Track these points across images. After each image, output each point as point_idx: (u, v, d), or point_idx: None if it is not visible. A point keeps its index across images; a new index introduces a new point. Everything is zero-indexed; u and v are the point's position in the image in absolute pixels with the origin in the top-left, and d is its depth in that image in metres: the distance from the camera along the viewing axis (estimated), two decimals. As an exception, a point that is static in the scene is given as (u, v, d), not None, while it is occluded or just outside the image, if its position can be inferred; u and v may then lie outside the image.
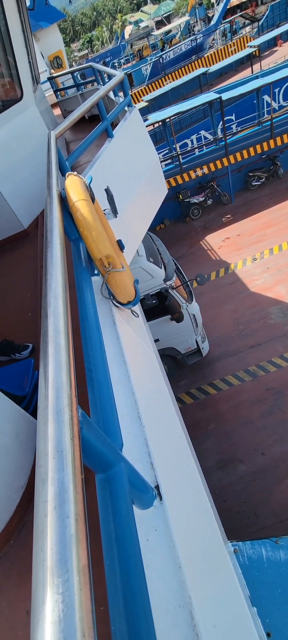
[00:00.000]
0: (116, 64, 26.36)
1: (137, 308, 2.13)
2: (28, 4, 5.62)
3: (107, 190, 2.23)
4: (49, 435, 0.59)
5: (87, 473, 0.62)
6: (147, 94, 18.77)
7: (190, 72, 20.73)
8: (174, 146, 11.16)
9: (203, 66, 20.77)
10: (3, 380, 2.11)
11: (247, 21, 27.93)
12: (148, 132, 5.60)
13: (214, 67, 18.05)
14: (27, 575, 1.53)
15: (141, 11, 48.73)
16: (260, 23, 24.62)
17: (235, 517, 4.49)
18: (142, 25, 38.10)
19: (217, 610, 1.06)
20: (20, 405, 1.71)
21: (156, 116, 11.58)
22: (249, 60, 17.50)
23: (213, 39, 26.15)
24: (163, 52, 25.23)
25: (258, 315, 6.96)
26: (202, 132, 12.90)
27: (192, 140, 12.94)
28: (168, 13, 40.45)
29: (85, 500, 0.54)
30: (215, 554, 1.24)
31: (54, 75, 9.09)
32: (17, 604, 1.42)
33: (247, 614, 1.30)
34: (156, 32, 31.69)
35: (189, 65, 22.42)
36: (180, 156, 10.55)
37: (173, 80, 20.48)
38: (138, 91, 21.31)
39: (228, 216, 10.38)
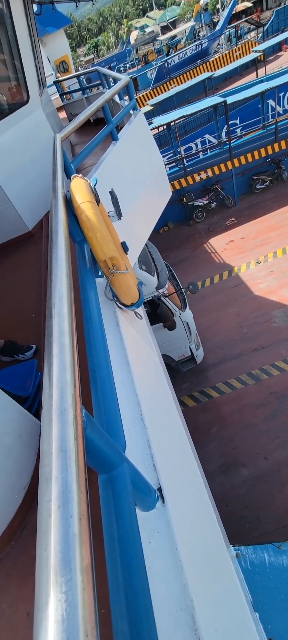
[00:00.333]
0: (122, 68, 26.59)
1: (141, 310, 2.13)
2: (35, 9, 5.71)
3: (112, 193, 2.25)
4: (53, 434, 0.59)
5: (89, 474, 0.62)
6: (152, 97, 18.88)
7: (195, 76, 20.80)
8: (179, 149, 11.21)
9: (208, 71, 20.86)
10: (6, 381, 2.12)
11: (252, 26, 28.02)
12: (153, 135, 5.64)
13: (219, 72, 18.13)
14: (29, 576, 1.53)
15: (147, 17, 49.21)
16: (265, 28, 24.64)
17: (237, 521, 4.45)
18: (147, 30, 38.46)
19: (219, 614, 1.05)
20: (23, 406, 1.72)
21: (161, 120, 11.64)
22: (254, 64, 17.53)
23: (219, 44, 26.24)
24: (169, 56, 25.41)
25: (262, 319, 6.92)
26: (207, 136, 12.95)
27: (196, 144, 12.99)
28: (173, 18, 40.80)
29: (89, 500, 0.54)
30: (217, 558, 1.23)
31: (60, 79, 9.22)
32: (18, 605, 1.42)
33: (249, 619, 1.29)
34: (161, 37, 31.92)
35: (194, 69, 22.54)
36: (184, 159, 10.58)
37: (178, 84, 20.59)
38: (143, 95, 21.45)
39: (232, 219, 10.37)
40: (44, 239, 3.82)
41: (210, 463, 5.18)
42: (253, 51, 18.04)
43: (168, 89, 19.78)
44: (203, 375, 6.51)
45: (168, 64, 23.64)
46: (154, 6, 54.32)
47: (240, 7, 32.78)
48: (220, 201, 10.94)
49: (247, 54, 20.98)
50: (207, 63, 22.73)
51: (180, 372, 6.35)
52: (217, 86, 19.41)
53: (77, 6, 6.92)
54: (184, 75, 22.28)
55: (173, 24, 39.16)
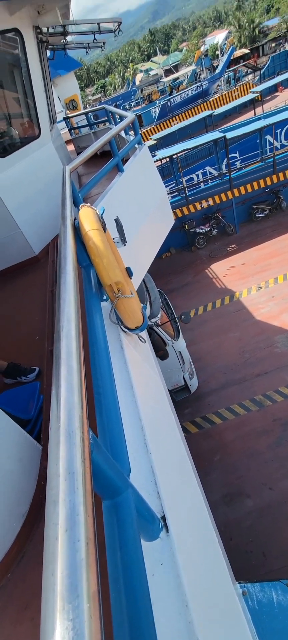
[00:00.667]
0: (127, 106, 28.32)
1: (144, 334, 2.14)
2: (49, 54, 6.23)
3: (117, 220, 2.35)
4: (61, 456, 0.59)
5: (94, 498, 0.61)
6: (156, 133, 19.93)
7: (196, 114, 22.10)
8: (181, 180, 11.69)
9: (208, 109, 22.13)
10: (9, 403, 2.09)
11: (249, 70, 30.07)
12: (157, 167, 5.92)
13: (219, 110, 19.22)
14: (25, 611, 1.45)
15: (151, 61, 53.06)
16: (262, 72, 26.50)
17: (242, 556, 4.22)
18: (151, 73, 41.34)
19: (225, 658, 0.99)
20: (24, 429, 1.71)
21: (164, 153, 12.23)
22: (252, 104, 18.62)
23: (218, 85, 28.07)
24: (171, 96, 27.12)
25: (264, 344, 6.90)
26: (207, 168, 13.54)
27: (197, 175, 13.57)
28: (176, 63, 43.92)
29: (95, 524, 0.54)
30: (223, 595, 1.17)
31: (69, 115, 9.85)
32: (12, 643, 1.34)
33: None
34: (165, 79, 34.26)
35: (195, 108, 23.94)
36: (186, 189, 11.01)
37: (180, 121, 21.79)
38: (147, 130, 22.68)
39: (233, 246, 10.61)
40: (50, 264, 3.93)
41: (214, 493, 4.99)
42: (251, 92, 19.22)
43: (171, 125, 20.92)
44: (205, 400, 6.41)
45: (171, 103, 25.20)
46: (158, 52, 58.75)
47: (238, 53, 35.44)
48: (221, 228, 11.25)
49: (245, 95, 22.34)
50: (208, 102, 24.18)
51: (175, 401, 6.26)
52: (216, 123, 20.55)
53: (87, 52, 7.51)
54: (186, 113, 23.65)
55: (176, 68, 42.14)
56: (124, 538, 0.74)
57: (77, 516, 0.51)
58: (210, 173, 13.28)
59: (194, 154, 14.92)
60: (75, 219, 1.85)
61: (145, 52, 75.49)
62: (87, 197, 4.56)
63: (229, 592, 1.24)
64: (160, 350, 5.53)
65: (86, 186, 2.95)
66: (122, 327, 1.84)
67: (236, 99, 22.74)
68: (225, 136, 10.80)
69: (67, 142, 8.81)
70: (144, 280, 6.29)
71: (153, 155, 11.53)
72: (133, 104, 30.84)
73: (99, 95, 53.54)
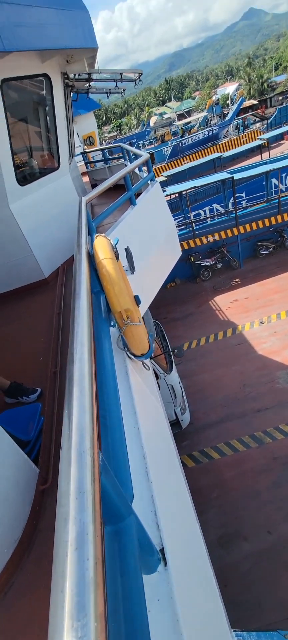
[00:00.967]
0: (141, 145, 30.04)
1: (148, 361, 2.17)
2: (73, 96, 6.76)
3: (127, 250, 2.45)
4: (71, 475, 0.59)
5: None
6: (166, 170, 20.97)
7: (205, 155, 23.32)
8: (189, 215, 12.15)
9: (217, 152, 23.39)
10: (9, 423, 2.06)
11: (257, 119, 32.01)
12: (166, 201, 6.22)
13: (227, 153, 20.30)
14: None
15: (165, 106, 56.89)
16: (269, 121, 28.19)
17: (236, 606, 3.95)
18: (165, 116, 44.10)
19: None
20: (23, 450, 1.70)
21: (173, 188, 12.83)
22: (259, 149, 19.67)
23: (227, 131, 29.82)
24: (183, 138, 28.78)
25: (266, 379, 6.85)
26: (215, 205, 14.11)
27: (205, 211, 14.12)
28: (189, 109, 47.02)
29: (104, 545, 0.54)
30: (220, 639, 1.11)
31: (87, 150, 10.53)
32: None
33: None
34: (177, 123, 36.48)
35: (205, 150, 25.33)
36: (193, 223, 11.42)
37: (191, 161, 22.98)
38: (158, 167, 23.87)
39: (237, 280, 10.81)
40: (59, 287, 4.04)
41: (209, 533, 4.77)
42: (258, 138, 20.35)
43: (181, 164, 22.04)
44: (204, 433, 6.27)
45: (182, 144, 26.72)
46: (172, 98, 63.18)
47: (247, 103, 37.94)
48: (226, 262, 11.52)
49: (252, 141, 23.66)
50: (217, 145, 25.59)
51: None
52: (225, 164, 21.59)
53: (108, 96, 8.13)
54: (196, 154, 24.97)
55: (188, 113, 45.02)
56: (125, 568, 0.72)
57: (87, 535, 0.51)
58: (217, 210, 13.82)
59: (202, 191, 15.58)
60: (91, 247, 1.94)
61: (161, 98, 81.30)
62: (99, 226, 4.77)
63: (226, 636, 1.18)
64: None
65: (100, 216, 3.09)
66: (128, 353, 1.87)
67: (244, 144, 24.07)
68: (232, 177, 11.33)
69: (83, 173, 9.32)
70: None
71: (164, 191, 12.09)
72: (146, 143, 32.76)
73: (115, 133, 57.03)
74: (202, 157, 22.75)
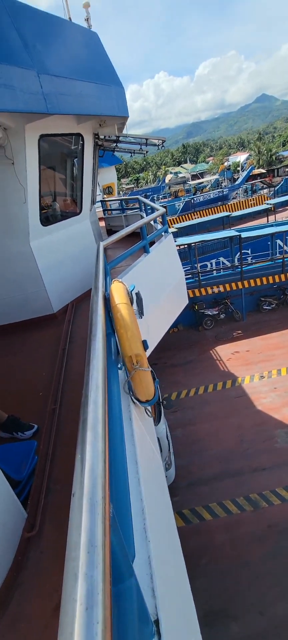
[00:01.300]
0: (155, 198, 32.50)
1: (150, 408, 2.06)
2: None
3: (137, 294, 2.44)
4: (83, 526, 0.56)
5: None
6: (178, 223, 22.38)
7: (215, 213, 24.89)
8: (196, 265, 12.74)
9: (227, 211, 24.93)
10: (2, 459, 2.00)
11: (265, 186, 34.34)
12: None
13: (236, 213, 21.64)
14: None
15: (181, 166, 62.25)
16: (276, 189, 30.17)
17: None
18: (180, 175, 48.08)
19: None
20: (14, 490, 1.64)
21: (183, 240, 13.64)
22: (266, 213, 20.87)
23: (237, 193, 31.99)
24: (195, 195, 31.03)
25: (264, 436, 6.60)
26: (221, 259, 14.78)
27: (211, 263, 14.77)
28: (202, 171, 51.15)
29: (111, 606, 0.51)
30: None
31: (106, 199, 11.59)
32: None
33: None
34: (191, 182, 39.60)
35: (215, 208, 27.08)
36: (199, 274, 11.92)
37: (201, 216, 24.51)
38: (170, 220, 25.51)
39: (239, 332, 10.90)
40: (66, 323, 4.20)
41: (196, 606, 4.32)
42: (265, 203, 21.70)
43: (192, 219, 23.51)
44: (196, 490, 5.96)
45: (194, 201, 28.75)
46: (188, 161, 69.18)
47: (256, 171, 40.99)
48: (229, 314, 11.73)
49: (260, 204, 25.18)
50: (226, 205, 27.35)
51: None
52: (233, 223, 22.86)
53: (131, 156, 9.05)
54: (206, 210, 26.69)
55: (202, 175, 49.01)
56: (122, 634, 0.65)
57: (98, 595, 0.48)
58: (223, 263, 14.44)
59: (210, 244, 16.42)
60: (107, 291, 1.98)
61: (177, 160, 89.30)
62: (113, 269, 5.12)
63: None
64: None
65: (115, 260, 3.31)
66: (133, 397, 1.82)
67: (252, 206, 25.64)
68: (240, 235, 12.00)
69: (100, 219, 10.15)
70: None
71: (174, 241, 12.86)
72: (161, 196, 35.45)
73: (132, 185, 62.08)
74: (212, 214, 24.29)
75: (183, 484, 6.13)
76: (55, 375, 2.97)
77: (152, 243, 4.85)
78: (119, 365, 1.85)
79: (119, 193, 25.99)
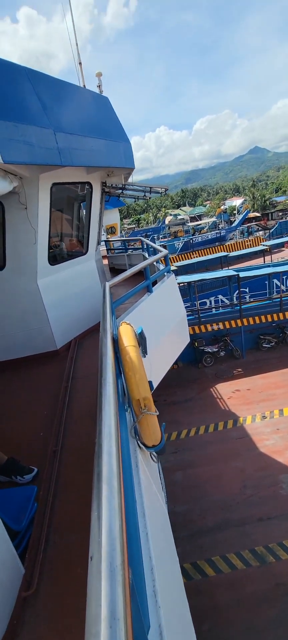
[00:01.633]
0: (155, 237, 33.92)
1: (155, 453, 1.94)
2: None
3: (141, 333, 2.58)
4: (103, 596, 0.52)
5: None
6: (177, 261, 23.17)
7: (213, 253, 25.86)
8: (195, 303, 12.99)
9: (224, 251, 25.92)
10: (1, 506, 1.89)
11: (260, 228, 36.06)
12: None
13: (233, 253, 22.50)
14: None
15: (180, 209, 65.59)
16: (271, 231, 31.68)
17: None
18: (179, 217, 50.54)
19: None
20: (12, 541, 1.55)
21: (183, 278, 14.03)
22: (262, 253, 21.71)
23: (234, 234, 33.49)
24: (194, 236, 32.44)
25: (268, 481, 6.32)
26: (220, 296, 15.11)
27: (210, 301, 15.07)
28: (200, 213, 53.86)
29: None
30: None
31: (110, 239, 12.10)
32: None
33: None
34: (190, 224, 41.56)
35: (213, 248, 28.22)
36: (199, 311, 12.12)
37: (200, 256, 25.44)
38: (170, 258, 26.41)
39: (239, 370, 10.84)
40: (69, 360, 4.19)
41: None
42: (262, 244, 22.66)
43: (191, 258, 24.36)
44: (198, 541, 5.59)
45: (193, 241, 29.99)
46: (187, 204, 73.05)
47: (251, 215, 43.25)
48: (229, 351, 11.75)
49: (256, 245, 26.25)
50: (224, 245, 28.54)
51: None
52: (230, 262, 23.67)
53: (135, 201, 9.64)
54: (205, 250, 27.77)
55: (200, 217, 51.53)
56: None
57: None
58: (222, 301, 14.73)
59: (209, 282, 16.87)
60: (115, 333, 1.97)
61: (176, 203, 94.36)
62: (117, 308, 5.21)
63: None
64: None
65: (120, 300, 3.35)
66: (139, 442, 1.74)
67: (248, 247, 26.71)
68: (238, 275, 12.38)
69: (103, 257, 10.50)
70: None
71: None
72: (161, 236, 37.01)
73: (134, 225, 64.98)
74: (210, 254, 25.23)
75: (183, 534, 5.76)
76: (57, 415, 2.93)
77: (154, 282, 5.02)
78: (125, 407, 1.80)
79: (121, 232, 27.17)
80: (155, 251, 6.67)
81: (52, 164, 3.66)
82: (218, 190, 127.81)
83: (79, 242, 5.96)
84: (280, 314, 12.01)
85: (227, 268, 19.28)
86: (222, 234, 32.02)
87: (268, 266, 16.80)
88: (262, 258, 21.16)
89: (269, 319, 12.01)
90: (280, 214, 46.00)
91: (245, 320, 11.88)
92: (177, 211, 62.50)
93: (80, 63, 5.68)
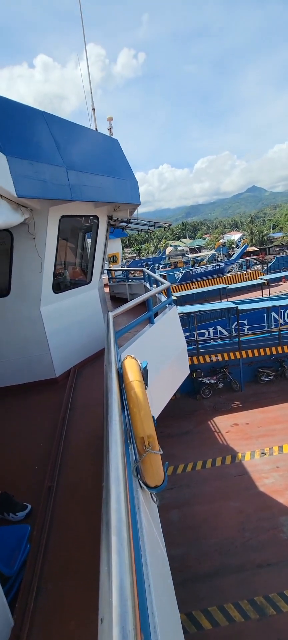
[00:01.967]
0: (156, 267, 34.67)
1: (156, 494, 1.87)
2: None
3: (146, 368, 2.50)
4: None
5: None
6: (177, 292, 23.56)
7: (212, 284, 26.38)
8: (194, 333, 13.06)
9: (223, 283, 26.45)
10: None
11: (258, 262, 37.07)
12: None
13: (232, 285, 22.96)
14: None
15: (180, 241, 67.64)
16: (268, 265, 32.57)
17: None
18: (179, 248, 51.99)
19: None
20: (2, 586, 1.44)
21: (183, 309, 14.20)
22: (260, 286, 22.17)
23: (232, 267, 34.33)
24: (194, 267, 33.21)
25: (268, 524, 6.06)
26: (219, 327, 15.22)
27: (209, 332, 15.16)
28: (200, 246, 55.49)
29: None
30: None
31: (112, 268, 12.41)
32: None
33: None
34: (189, 255, 42.71)
35: (212, 279, 28.80)
36: (198, 342, 12.16)
37: (199, 287, 25.92)
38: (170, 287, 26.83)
39: (238, 403, 10.71)
40: (68, 389, 4.16)
41: None
42: (260, 278, 23.20)
43: (191, 289, 24.80)
44: (193, 588, 5.26)
45: (192, 272, 30.64)
46: (187, 236, 75.44)
47: (250, 249, 44.57)
48: (227, 383, 11.67)
49: (254, 279, 26.85)
50: (223, 277, 29.16)
51: None
52: (229, 294, 24.08)
53: (138, 233, 9.99)
54: (204, 281, 28.33)
55: (199, 249, 53.03)
56: None
57: None
58: (221, 332, 14.82)
59: (208, 313, 17.06)
60: (120, 366, 1.95)
61: (177, 235, 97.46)
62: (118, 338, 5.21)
63: None
64: None
65: (122, 330, 3.39)
66: (140, 482, 1.64)
67: (246, 280, 27.31)
68: (237, 307, 12.58)
69: (105, 285, 10.68)
70: None
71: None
72: (161, 266, 37.83)
73: (135, 255, 66.61)
74: (209, 285, 25.73)
75: (177, 579, 5.42)
76: (54, 447, 2.85)
77: (156, 313, 5.08)
78: (128, 443, 1.72)
79: (122, 261, 27.86)
80: (156, 281, 6.81)
81: (63, 199, 3.87)
82: (218, 225, 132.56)
83: (83, 271, 6.12)
84: (279, 348, 12.07)
85: (225, 300, 19.62)
86: (221, 266, 32.83)
87: (267, 299, 17.11)
88: (260, 291, 21.58)
89: (268, 352, 12.05)
90: (277, 249, 47.55)
91: (243, 352, 11.90)
92: (177, 242, 64.45)
93: (93, 109, 6.15)
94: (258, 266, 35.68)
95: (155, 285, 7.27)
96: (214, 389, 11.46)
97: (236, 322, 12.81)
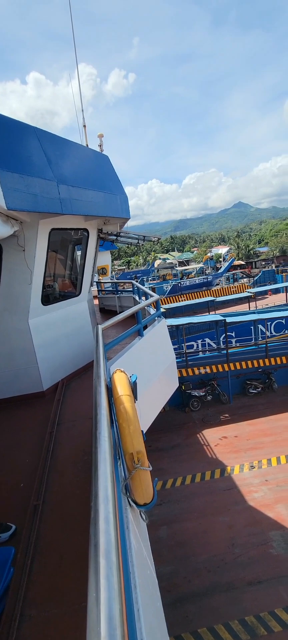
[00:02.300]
0: (145, 279, 34.95)
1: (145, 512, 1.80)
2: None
3: (135, 382, 2.46)
4: None
5: None
6: (165, 304, 23.77)
7: (200, 297, 26.83)
8: (183, 345, 13.15)
9: (211, 296, 26.96)
10: None
11: (244, 275, 38.12)
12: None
13: (220, 298, 23.45)
14: None
15: (169, 254, 68.70)
16: (255, 279, 33.54)
17: None
18: (168, 261, 52.76)
19: None
20: None
21: (172, 321, 14.32)
22: (247, 299, 22.73)
23: (220, 280, 35.11)
24: (182, 280, 33.72)
25: (257, 539, 6.03)
26: (207, 340, 15.40)
27: (197, 344, 15.30)
28: (188, 259, 56.52)
29: None
30: None
31: (101, 281, 12.41)
32: None
33: None
34: (178, 268, 43.38)
35: (200, 292, 29.32)
36: (186, 354, 12.23)
37: (187, 299, 26.27)
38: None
39: (226, 415, 10.78)
40: (55, 403, 4.06)
41: None
42: (247, 291, 23.82)
43: (179, 301, 25.11)
44: (182, 608, 5.13)
45: (181, 284, 31.08)
46: (175, 249, 76.75)
47: (236, 263, 45.83)
48: (216, 396, 11.74)
49: (241, 292, 27.54)
50: (210, 290, 29.76)
51: None
52: (217, 306, 24.53)
53: (127, 247, 10.09)
54: (192, 294, 28.77)
55: (188, 262, 53.99)
56: None
57: None
58: (209, 345, 14.99)
59: (196, 325, 17.26)
60: (109, 380, 1.92)
61: (165, 248, 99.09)
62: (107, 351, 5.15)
63: None
64: None
65: (111, 343, 3.35)
66: (129, 499, 1.60)
67: (233, 293, 27.95)
68: (225, 320, 12.80)
69: (94, 297, 10.63)
70: None
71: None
72: (150, 278, 38.16)
73: (124, 267, 66.96)
74: (198, 298, 26.12)
75: (166, 600, 5.27)
76: (40, 464, 2.75)
77: (145, 326, 5.09)
78: (117, 459, 1.65)
79: (111, 273, 27.92)
80: (145, 294, 6.85)
81: (53, 212, 3.87)
82: (205, 239, 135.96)
83: (72, 283, 6.08)
84: (266, 360, 12.31)
85: (213, 312, 19.93)
86: (208, 279, 33.54)
87: (254, 312, 17.54)
88: (247, 304, 22.12)
89: (255, 365, 12.26)
90: (263, 263, 49.12)
91: (231, 364, 12.06)
92: (166, 255, 65.45)
93: (84, 126, 6.27)
94: (245, 279, 36.70)
95: (144, 298, 7.31)
96: (203, 401, 11.50)
97: (224, 335, 13.03)
